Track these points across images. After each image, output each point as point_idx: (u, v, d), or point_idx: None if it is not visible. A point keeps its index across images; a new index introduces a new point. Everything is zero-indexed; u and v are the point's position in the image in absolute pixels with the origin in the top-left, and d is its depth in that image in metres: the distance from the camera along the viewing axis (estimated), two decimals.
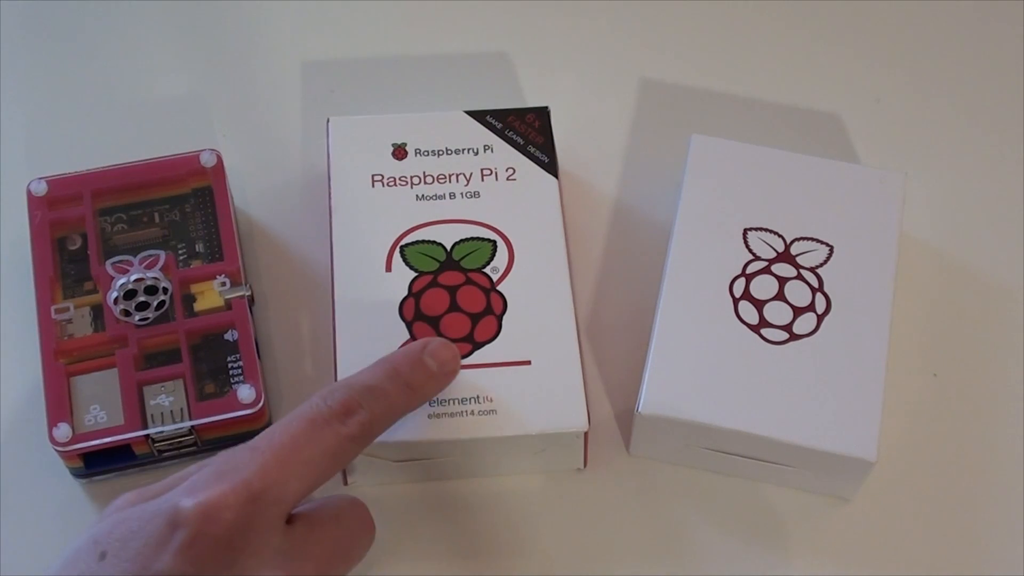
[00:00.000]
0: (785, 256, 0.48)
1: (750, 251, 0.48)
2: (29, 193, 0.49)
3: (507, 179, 0.49)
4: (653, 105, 0.56)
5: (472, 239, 0.47)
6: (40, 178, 0.49)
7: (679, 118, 0.56)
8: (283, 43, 0.57)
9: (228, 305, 0.47)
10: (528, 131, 0.50)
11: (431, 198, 0.48)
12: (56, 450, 0.44)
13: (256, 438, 0.38)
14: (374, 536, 0.40)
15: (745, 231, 0.48)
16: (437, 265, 0.47)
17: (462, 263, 0.47)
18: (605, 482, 0.47)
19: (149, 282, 0.47)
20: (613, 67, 0.57)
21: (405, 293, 0.46)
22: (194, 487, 0.36)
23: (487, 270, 0.47)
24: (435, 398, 0.44)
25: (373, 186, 0.49)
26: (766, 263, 0.47)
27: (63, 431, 0.44)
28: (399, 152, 0.49)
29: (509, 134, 0.50)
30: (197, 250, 0.48)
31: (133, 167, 0.49)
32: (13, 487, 0.47)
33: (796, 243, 0.48)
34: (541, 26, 0.58)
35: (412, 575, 0.46)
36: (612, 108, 0.56)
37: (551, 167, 0.49)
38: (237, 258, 0.48)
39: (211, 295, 0.47)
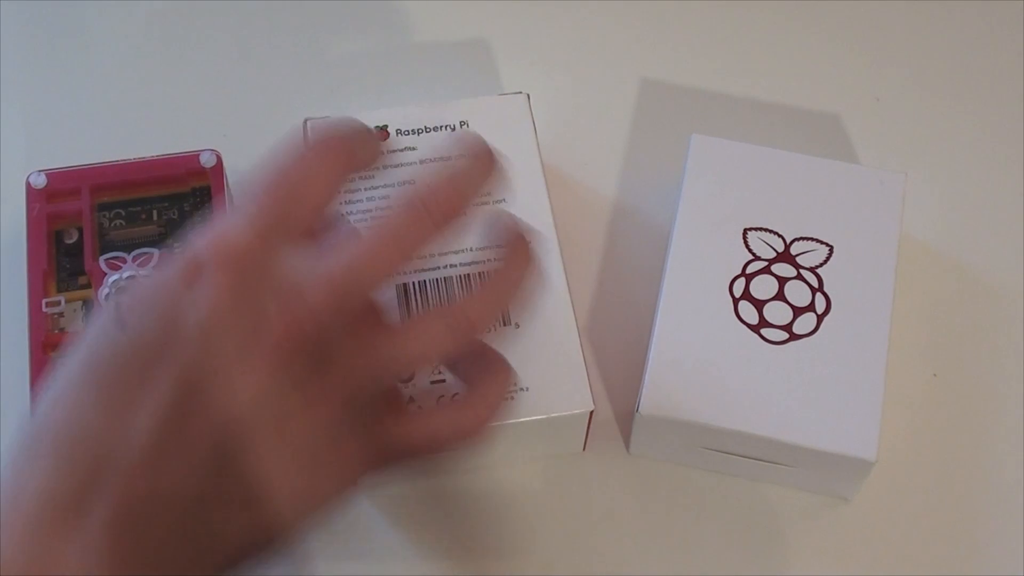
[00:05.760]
0: (785, 256, 0.48)
1: (750, 251, 0.48)
2: (28, 185, 0.49)
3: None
4: (653, 105, 0.56)
5: None
6: (40, 171, 0.49)
7: (679, 118, 0.56)
8: (284, 42, 0.57)
9: None
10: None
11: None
12: None
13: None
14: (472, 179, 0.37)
15: (745, 231, 0.48)
16: None
17: None
18: (605, 482, 0.47)
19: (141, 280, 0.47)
20: (613, 67, 0.57)
21: None
22: (202, 233, 0.34)
23: None
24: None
25: None
26: (766, 263, 0.47)
27: None
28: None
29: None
30: None
31: (133, 164, 0.49)
32: None
33: (796, 243, 0.48)
34: (541, 26, 0.58)
35: (411, 575, 0.45)
36: (612, 108, 0.56)
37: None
38: None
39: None
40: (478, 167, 0.38)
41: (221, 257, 0.33)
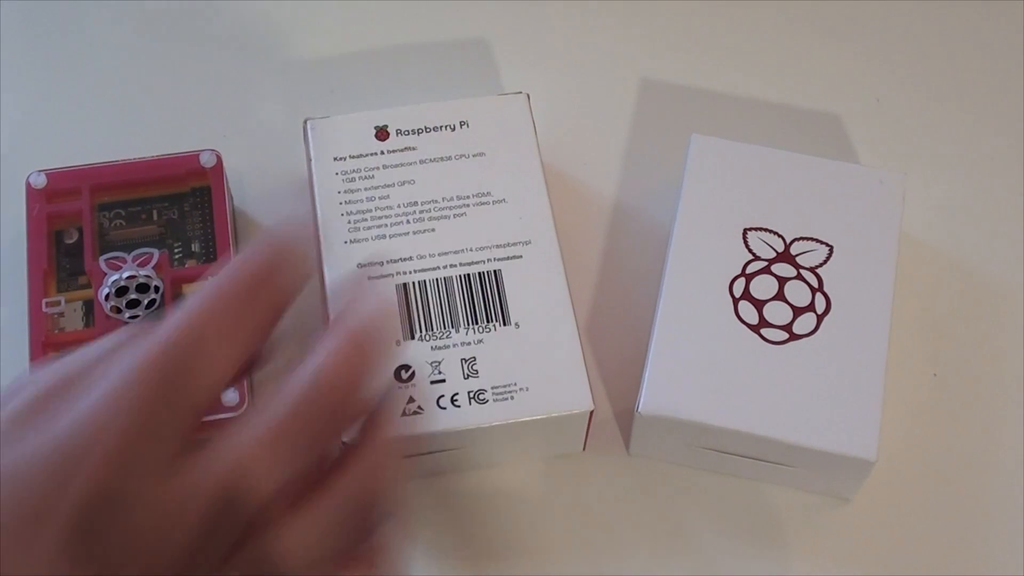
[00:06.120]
0: (785, 256, 0.48)
1: (750, 251, 0.48)
2: (28, 185, 0.49)
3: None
4: (653, 105, 0.56)
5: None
6: (40, 171, 0.49)
7: (679, 118, 0.56)
8: (284, 42, 0.57)
9: None
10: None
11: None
12: None
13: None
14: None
15: (745, 231, 0.48)
16: None
17: None
18: (605, 482, 0.47)
19: (141, 280, 0.47)
20: (613, 67, 0.57)
21: None
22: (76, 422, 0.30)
23: None
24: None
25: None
26: (766, 263, 0.47)
27: None
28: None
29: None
30: (193, 250, 0.48)
31: (133, 164, 0.49)
32: None
33: (796, 243, 0.48)
34: (541, 26, 0.58)
35: (411, 575, 0.45)
36: (612, 108, 0.56)
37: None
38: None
39: None
40: (358, 358, 0.33)
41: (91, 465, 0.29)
